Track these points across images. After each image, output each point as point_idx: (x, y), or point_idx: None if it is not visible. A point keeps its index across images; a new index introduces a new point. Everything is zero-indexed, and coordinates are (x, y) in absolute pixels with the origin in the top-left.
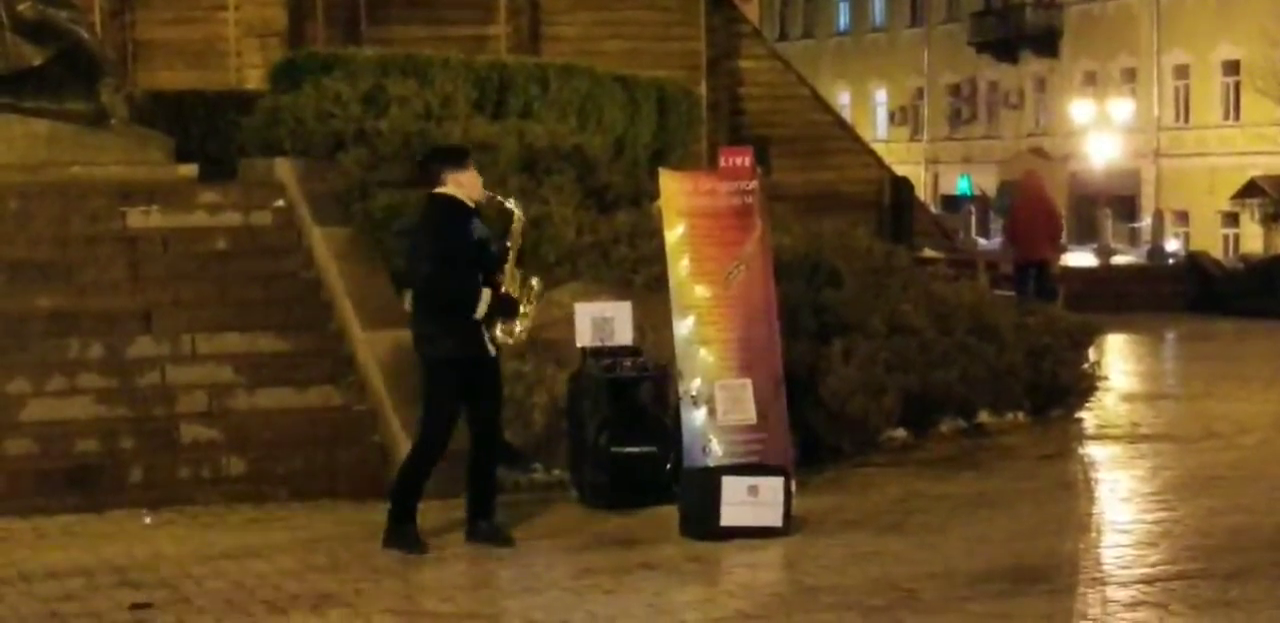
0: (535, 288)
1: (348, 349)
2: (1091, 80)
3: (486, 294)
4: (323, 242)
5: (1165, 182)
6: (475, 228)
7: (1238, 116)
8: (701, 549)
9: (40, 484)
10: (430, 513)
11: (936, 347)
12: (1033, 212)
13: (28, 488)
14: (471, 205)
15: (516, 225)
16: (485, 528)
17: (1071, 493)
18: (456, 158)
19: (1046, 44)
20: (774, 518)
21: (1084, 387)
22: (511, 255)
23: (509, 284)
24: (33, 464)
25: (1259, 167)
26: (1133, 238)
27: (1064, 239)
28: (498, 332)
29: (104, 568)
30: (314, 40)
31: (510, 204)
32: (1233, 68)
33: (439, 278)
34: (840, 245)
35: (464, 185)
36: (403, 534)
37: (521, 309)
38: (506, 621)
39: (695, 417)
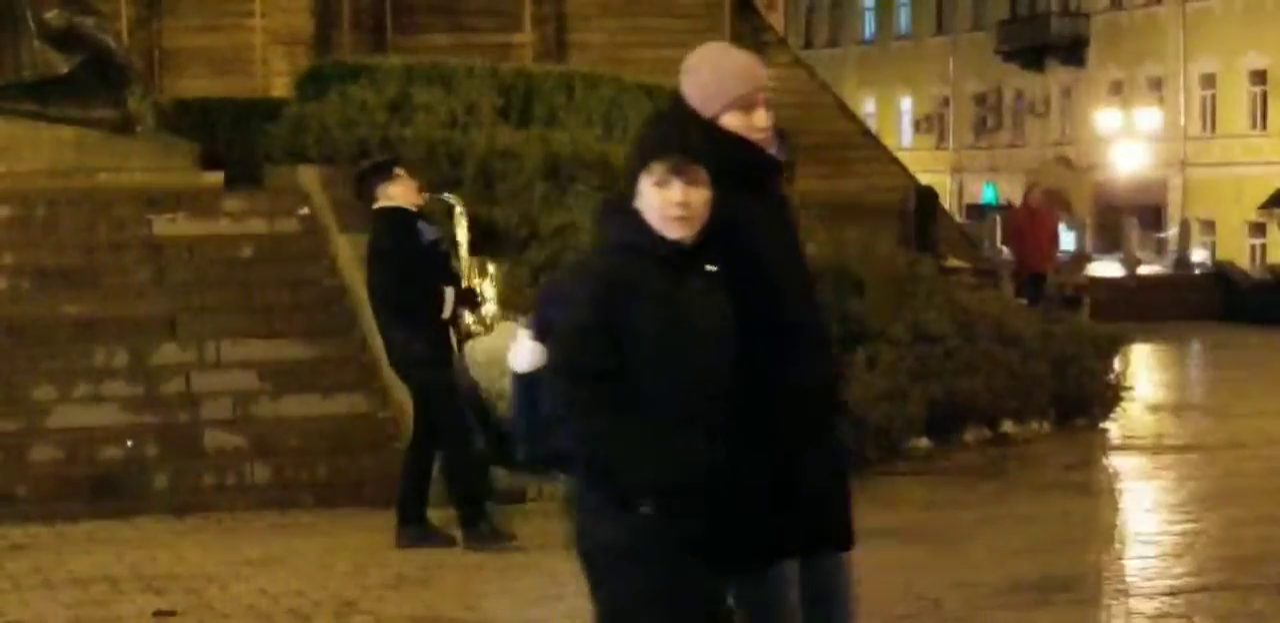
0: (491, 272)
1: (372, 356)
2: (1118, 89)
3: (449, 294)
4: (347, 249)
5: (1192, 191)
6: (423, 231)
7: (1265, 126)
8: None
9: (65, 491)
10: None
11: (960, 355)
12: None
13: (53, 494)
14: (413, 210)
15: (460, 218)
16: (485, 531)
17: (1096, 503)
18: (381, 172)
19: (1073, 53)
20: None
21: (1109, 396)
22: (464, 245)
23: (467, 275)
24: (58, 471)
25: None
26: (1159, 248)
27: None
28: (470, 324)
29: (128, 575)
30: (340, 48)
31: (448, 198)
32: (1260, 77)
33: (400, 289)
34: (864, 254)
35: (396, 196)
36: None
37: (481, 296)
38: None
39: None
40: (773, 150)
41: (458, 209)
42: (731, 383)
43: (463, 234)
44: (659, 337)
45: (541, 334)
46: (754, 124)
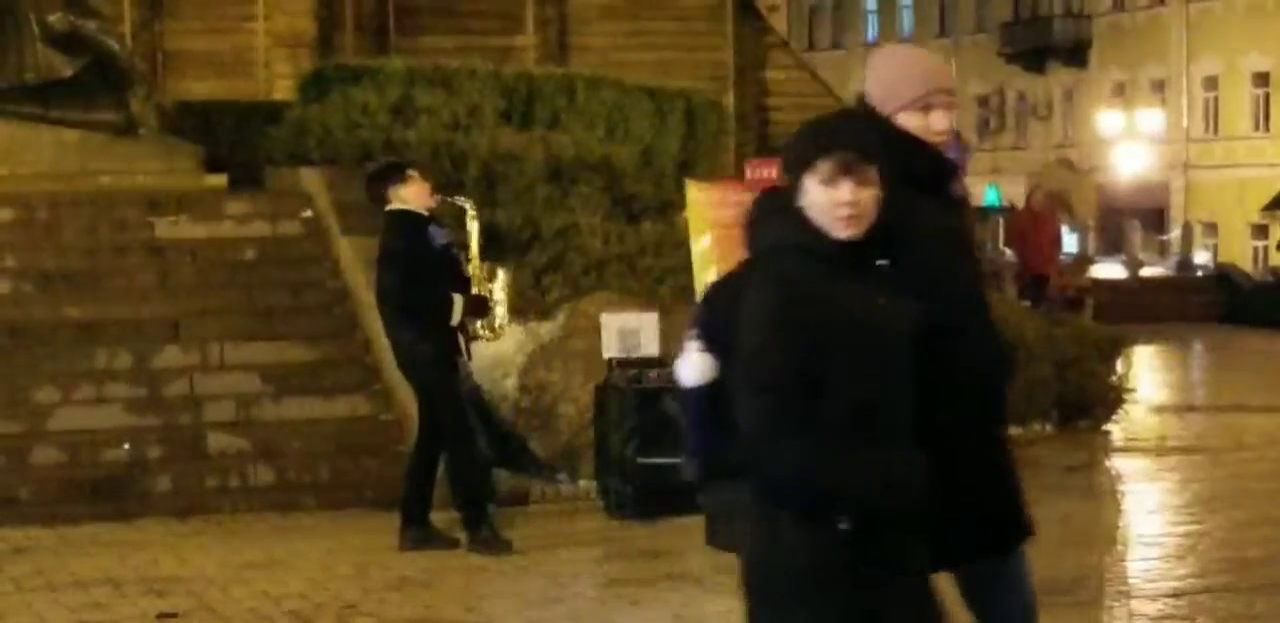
0: (501, 278)
1: (374, 359)
2: (1120, 91)
3: (458, 301)
4: (350, 251)
5: (1194, 193)
6: (434, 235)
7: (1267, 128)
8: (728, 560)
9: (67, 493)
10: (453, 523)
11: None
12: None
13: (55, 497)
14: (425, 214)
15: (471, 222)
16: (486, 535)
17: (1098, 505)
18: (394, 174)
19: (1075, 54)
20: None
21: (1112, 398)
22: (474, 250)
23: (477, 282)
24: (60, 473)
25: None
26: (1161, 250)
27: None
28: (480, 331)
29: (131, 577)
30: (343, 51)
31: (461, 202)
32: (1263, 79)
33: (408, 291)
34: None
35: (408, 199)
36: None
37: (492, 301)
38: None
39: None
40: (950, 154)
41: (470, 213)
42: (914, 387)
43: (474, 239)
44: (838, 341)
45: (709, 344)
46: (931, 126)
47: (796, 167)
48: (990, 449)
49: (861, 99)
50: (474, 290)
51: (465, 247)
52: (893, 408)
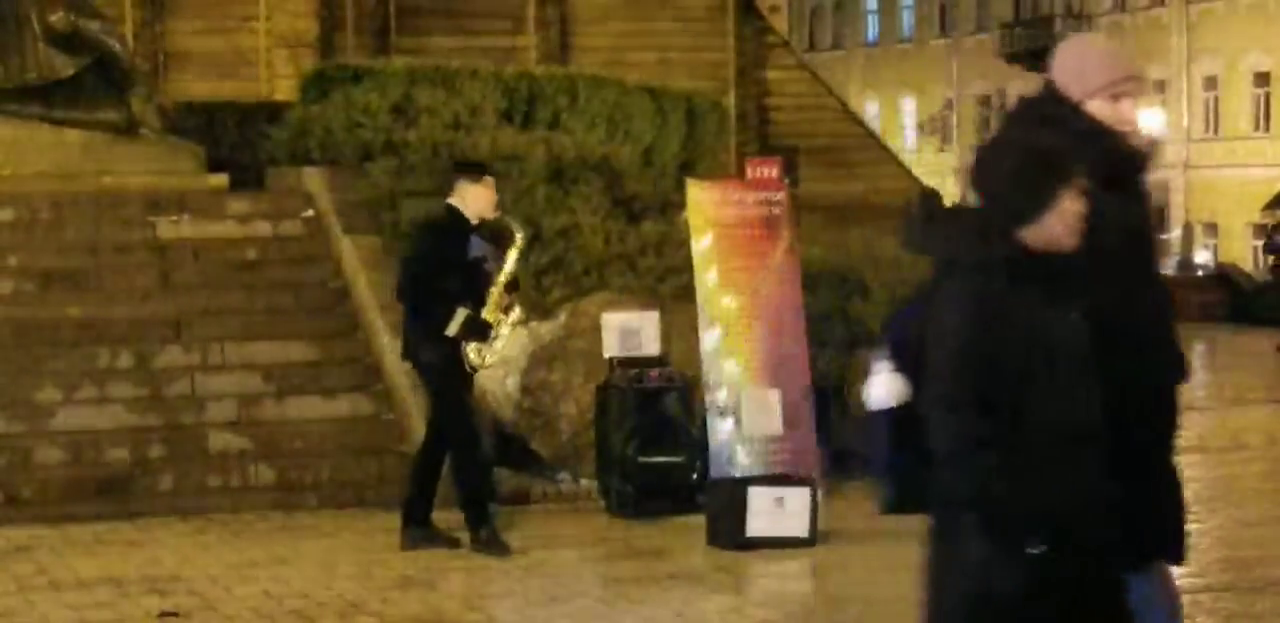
0: (514, 316)
1: (375, 358)
2: None
3: (460, 314)
4: (351, 251)
5: (1195, 193)
6: (472, 245)
7: (1268, 128)
8: (728, 559)
9: (70, 492)
10: (454, 522)
11: None
12: None
13: (57, 496)
14: (474, 222)
15: (513, 251)
16: (485, 535)
17: None
18: (473, 170)
19: None
20: (800, 529)
21: None
22: (501, 279)
23: (489, 308)
24: (63, 472)
25: None
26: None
27: None
28: (469, 354)
29: (133, 576)
30: (344, 51)
31: (516, 228)
32: (1263, 79)
33: (422, 290)
34: (868, 256)
35: (469, 198)
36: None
37: (495, 334)
38: None
39: (722, 427)
40: (1140, 145)
41: (517, 239)
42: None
43: (510, 265)
44: (1035, 360)
45: (899, 363)
46: (1122, 115)
47: (1052, 181)
48: (1163, 456)
49: (1049, 85)
50: (484, 315)
51: (498, 269)
52: (1085, 428)
